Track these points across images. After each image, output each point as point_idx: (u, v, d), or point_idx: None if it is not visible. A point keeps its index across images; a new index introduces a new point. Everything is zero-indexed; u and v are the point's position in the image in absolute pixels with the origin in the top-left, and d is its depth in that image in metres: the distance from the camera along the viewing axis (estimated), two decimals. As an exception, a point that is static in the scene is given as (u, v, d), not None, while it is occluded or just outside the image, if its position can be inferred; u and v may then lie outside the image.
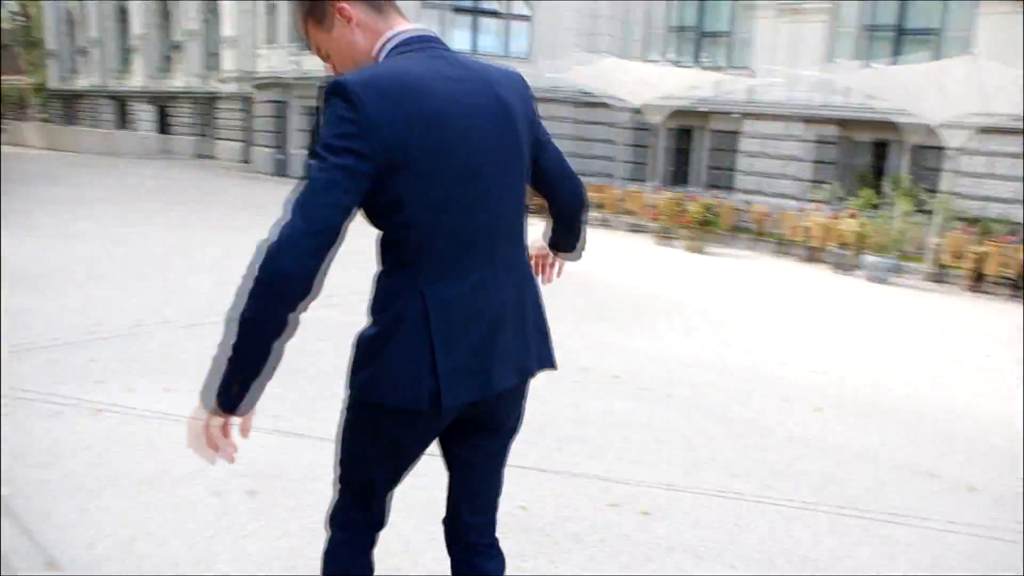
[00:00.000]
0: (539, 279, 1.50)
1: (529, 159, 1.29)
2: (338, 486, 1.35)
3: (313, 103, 16.59)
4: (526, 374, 1.32)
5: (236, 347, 1.03)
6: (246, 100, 26.10)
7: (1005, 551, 2.72)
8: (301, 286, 1.03)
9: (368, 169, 1.07)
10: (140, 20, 30.39)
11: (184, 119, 29.25)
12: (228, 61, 25.38)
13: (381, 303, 1.17)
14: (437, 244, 1.16)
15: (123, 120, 33.36)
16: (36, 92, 39.30)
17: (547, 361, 1.37)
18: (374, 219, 1.17)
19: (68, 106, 36.94)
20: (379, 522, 1.41)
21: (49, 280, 5.59)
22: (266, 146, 20.93)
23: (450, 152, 1.13)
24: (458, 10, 17.70)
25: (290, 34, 19.70)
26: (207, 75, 27.98)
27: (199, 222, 10.22)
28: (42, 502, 2.33)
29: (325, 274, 1.07)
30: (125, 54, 32.58)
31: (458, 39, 17.73)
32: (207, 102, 28.16)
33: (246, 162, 26.01)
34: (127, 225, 9.07)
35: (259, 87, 21.68)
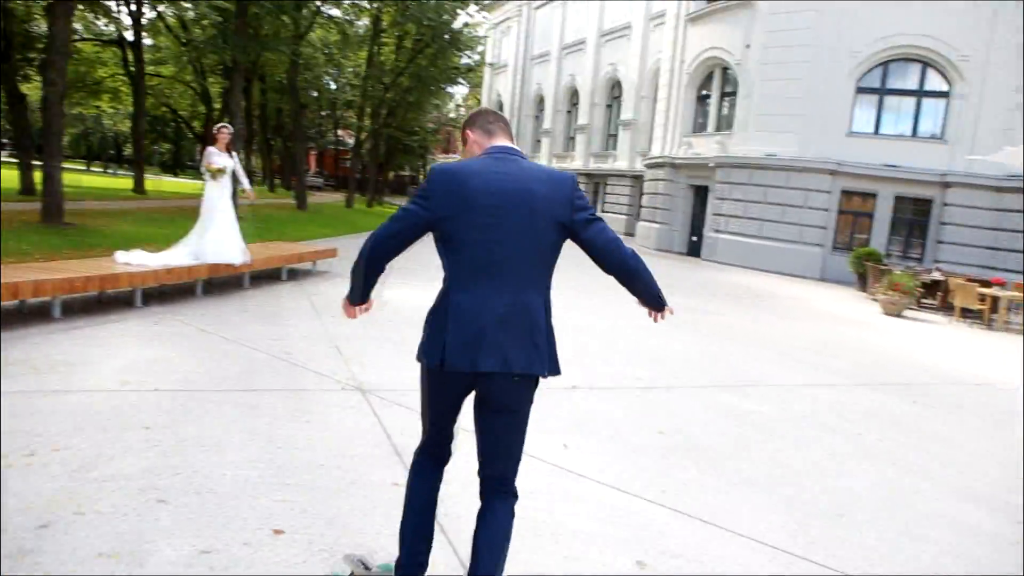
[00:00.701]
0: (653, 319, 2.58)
1: (552, 232, 2.35)
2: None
3: (699, 182, 21.44)
4: (510, 367, 2.25)
5: (352, 278, 2.60)
6: (635, 178, 33.10)
7: None
8: (370, 256, 2.45)
9: (423, 215, 2.33)
10: (551, 114, 40.68)
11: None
12: (655, 145, 32.41)
13: (436, 299, 2.45)
14: (462, 268, 2.32)
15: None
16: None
17: (536, 367, 2.30)
18: (438, 248, 2.41)
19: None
20: (439, 457, 2.63)
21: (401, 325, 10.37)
22: (652, 221, 26.52)
23: (477, 215, 2.27)
24: (862, 90, 20.71)
25: (683, 120, 25.34)
26: (602, 154, 36.01)
27: (578, 286, 12.38)
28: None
29: (392, 254, 2.51)
30: (535, 143, 43.57)
31: (860, 119, 20.81)
32: (600, 179, 36.12)
33: (630, 235, 32.68)
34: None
35: (649, 166, 27.69)
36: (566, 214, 2.38)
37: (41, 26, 23.77)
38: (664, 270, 17.92)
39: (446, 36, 30.15)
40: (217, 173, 8.38)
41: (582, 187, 22.55)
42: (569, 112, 39.93)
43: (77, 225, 14.18)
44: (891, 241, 20.48)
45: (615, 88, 35.66)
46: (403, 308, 8.94)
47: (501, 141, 2.51)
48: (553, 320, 2.54)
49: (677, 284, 15.03)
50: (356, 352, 6.50)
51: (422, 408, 2.62)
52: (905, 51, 19.76)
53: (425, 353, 2.41)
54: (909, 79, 20.32)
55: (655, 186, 25.93)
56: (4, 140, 57.89)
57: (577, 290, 12.38)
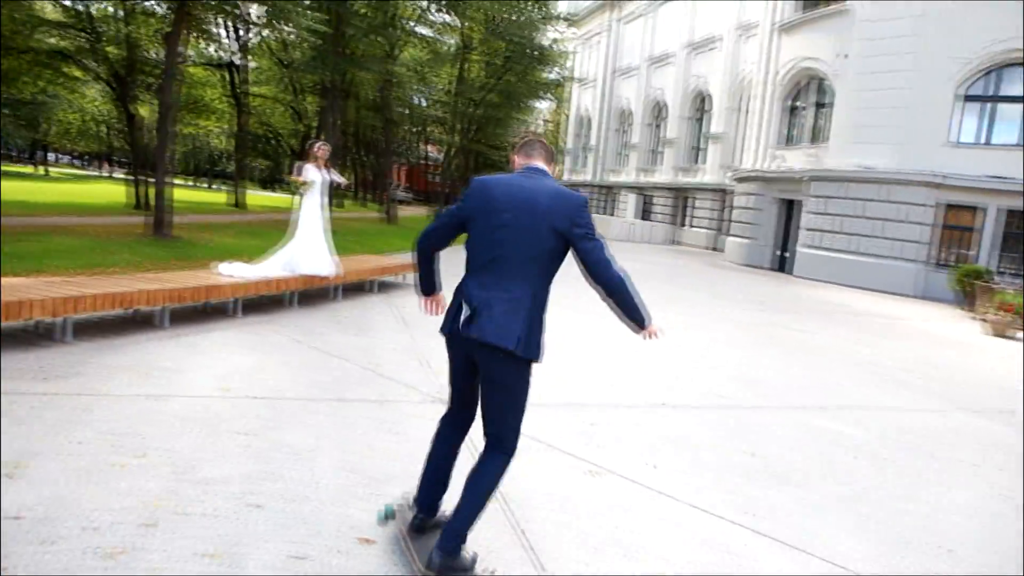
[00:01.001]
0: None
1: (550, 239, 2.78)
2: None
3: (789, 196, 20.79)
4: (484, 337, 2.71)
5: (416, 272, 3.17)
6: (722, 192, 32.42)
7: None
8: (418, 249, 3.07)
9: (458, 215, 2.89)
10: (638, 128, 40.38)
11: (664, 208, 37.24)
12: (747, 159, 31.82)
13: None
14: (474, 259, 2.85)
15: (612, 208, 43.96)
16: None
17: (506, 342, 2.71)
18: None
19: (570, 195, 50.00)
20: (457, 423, 3.19)
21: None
22: (740, 236, 25.88)
23: (492, 218, 2.76)
24: (967, 98, 19.65)
25: (774, 132, 24.68)
26: (689, 168, 35.45)
27: (675, 300, 12.75)
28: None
29: (436, 247, 3.08)
30: (622, 156, 43.34)
31: (964, 129, 19.76)
32: (687, 193, 35.53)
33: (716, 249, 32.02)
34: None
35: (738, 180, 27.06)
36: (563, 225, 2.81)
37: (159, 52, 25.32)
38: (751, 286, 17.42)
39: (534, 52, 30.35)
40: (304, 186, 8.68)
41: (667, 201, 22.46)
42: (656, 126, 39.50)
43: (183, 238, 14.97)
44: (1000, 258, 19.24)
45: (703, 101, 35.08)
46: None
47: (536, 163, 3.02)
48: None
49: (765, 301, 14.56)
50: (443, 364, 6.56)
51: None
52: (1014, 56, 18.60)
53: (442, 324, 3.00)
54: (1018, 85, 19.12)
55: (743, 200, 25.28)
56: (121, 159, 61.73)
57: (664, 308, 12.18)
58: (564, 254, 2.93)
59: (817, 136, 22.56)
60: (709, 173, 33.08)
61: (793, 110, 24.02)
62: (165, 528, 3.13)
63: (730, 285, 17.53)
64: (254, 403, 4.95)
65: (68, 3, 24.23)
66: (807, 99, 23.04)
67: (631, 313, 3.04)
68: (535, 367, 2.99)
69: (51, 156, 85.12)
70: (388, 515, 3.33)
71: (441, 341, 3.10)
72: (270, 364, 6.05)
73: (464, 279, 2.94)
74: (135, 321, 7.22)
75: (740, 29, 31.24)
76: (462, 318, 2.84)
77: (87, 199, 28.01)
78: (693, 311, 12.07)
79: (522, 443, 3.24)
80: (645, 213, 38.10)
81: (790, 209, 23.67)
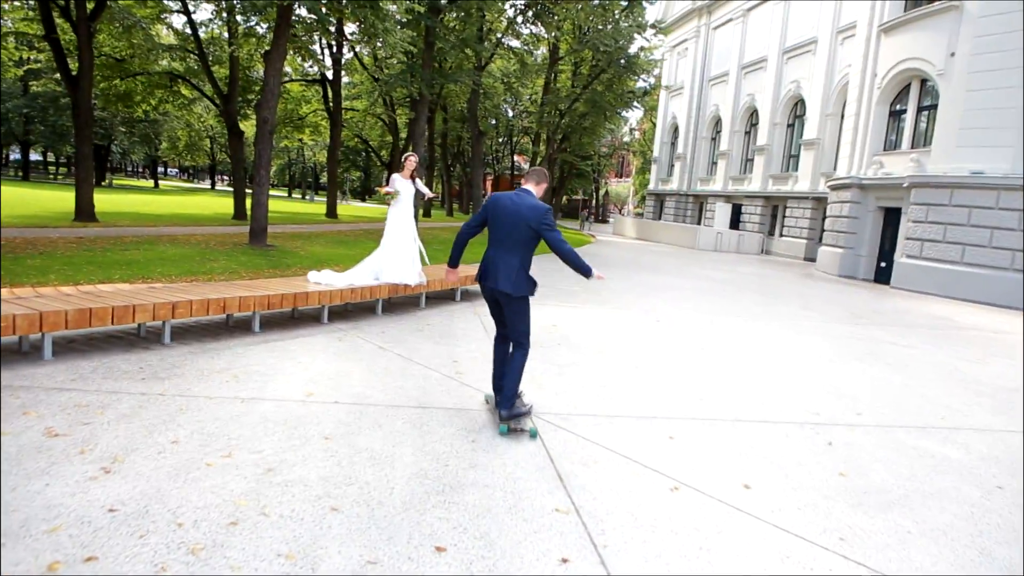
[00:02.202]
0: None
1: (532, 232, 4.77)
2: None
3: (890, 204, 19.75)
4: (497, 285, 4.80)
5: (453, 249, 5.20)
6: (816, 200, 31.17)
7: None
8: (458, 237, 5.09)
9: (482, 215, 4.96)
10: (728, 135, 39.41)
11: (754, 217, 36.15)
12: (841, 166, 30.69)
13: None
14: (490, 240, 4.92)
15: (700, 217, 43.05)
16: (637, 192, 53.90)
17: (506, 287, 4.76)
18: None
19: (660, 203, 49.38)
20: (502, 337, 5.20)
21: (589, 350, 8.22)
22: (835, 246, 24.79)
23: (498, 218, 4.85)
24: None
25: (873, 137, 23.56)
26: (781, 176, 34.29)
27: (745, 311, 11.88)
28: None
29: (469, 236, 5.05)
30: (711, 165, 42.44)
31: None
32: (779, 201, 34.36)
33: (809, 259, 30.79)
34: (686, 308, 11.32)
35: (834, 188, 25.94)
36: (536, 224, 4.79)
37: (259, 70, 26.53)
38: (846, 297, 16.64)
39: (622, 61, 30.13)
40: (388, 196, 8.86)
41: (757, 210, 21.79)
42: (747, 133, 38.46)
43: (277, 246, 15.56)
44: None
45: (797, 106, 33.92)
46: (571, 334, 8.93)
47: (526, 185, 5.09)
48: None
49: (861, 313, 13.87)
50: (524, 373, 6.54)
51: None
52: None
53: (478, 279, 5.04)
54: None
55: (840, 208, 24.19)
56: (225, 172, 64.86)
57: (750, 320, 11.78)
58: (538, 239, 4.88)
59: (920, 140, 21.37)
60: (803, 181, 31.88)
61: (895, 114, 22.85)
62: (246, 527, 3.21)
63: (823, 296, 16.80)
64: (337, 408, 5.04)
65: (181, 27, 25.70)
66: (909, 102, 21.86)
67: (580, 270, 4.90)
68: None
69: (161, 170, 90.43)
70: (487, 400, 5.62)
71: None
72: (354, 370, 6.17)
73: (486, 252, 5.01)
74: (229, 326, 7.52)
75: (838, 31, 30.05)
76: (483, 273, 5.00)
77: (193, 210, 29.57)
78: (782, 323, 11.61)
79: (598, 453, 4.57)
80: (735, 222, 37.08)
81: (890, 217, 22.51)
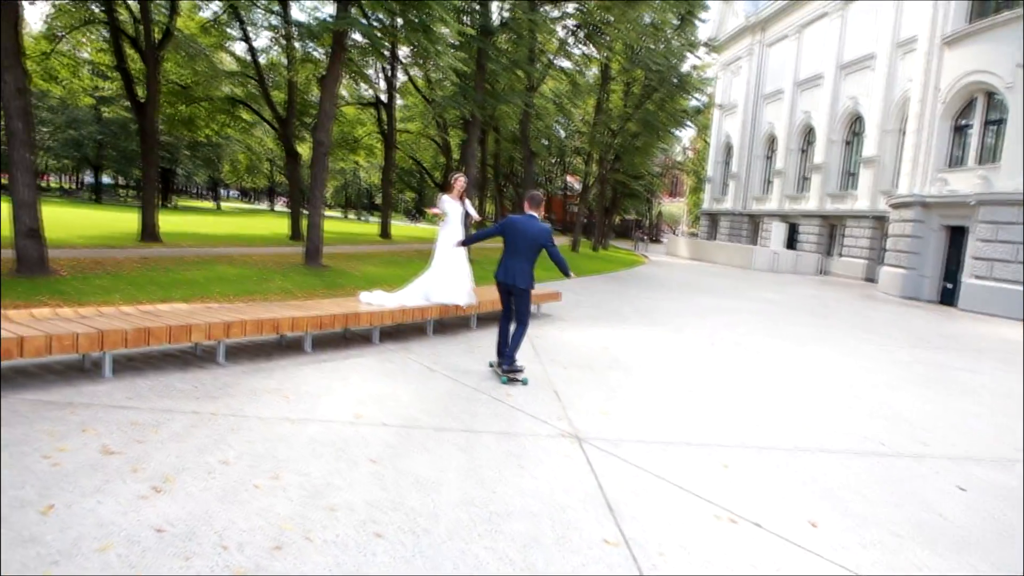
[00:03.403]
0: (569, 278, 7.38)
1: (535, 246, 6.85)
2: None
3: (955, 222, 18.99)
4: (514, 281, 6.84)
5: (473, 241, 8.01)
6: (876, 219, 30.26)
7: None
8: (479, 236, 7.93)
9: (499, 229, 7.03)
10: (783, 153, 38.67)
11: (811, 237, 35.28)
12: (902, 184, 29.84)
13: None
14: (506, 250, 6.95)
15: (755, 237, 42.24)
16: (690, 212, 53.25)
17: (519, 283, 6.84)
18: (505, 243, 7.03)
19: (713, 223, 48.71)
20: (508, 318, 7.13)
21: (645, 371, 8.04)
22: (897, 266, 23.93)
23: (514, 234, 6.87)
24: None
25: (937, 154, 22.79)
26: (839, 195, 33.45)
27: (803, 335, 11.44)
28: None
29: (485, 239, 8.00)
30: (766, 184, 41.70)
31: None
32: (837, 221, 33.49)
33: (870, 280, 29.84)
34: (738, 331, 10.96)
35: (895, 206, 25.10)
36: (541, 241, 6.86)
37: (316, 94, 27.17)
38: (910, 320, 16.02)
39: (675, 80, 29.88)
40: (437, 218, 8.87)
41: (814, 229, 21.54)
42: (803, 151, 37.69)
43: (331, 266, 15.78)
44: None
45: (855, 123, 33.12)
46: (623, 356, 8.77)
47: (530, 211, 6.98)
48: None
49: (926, 336, 13.32)
50: (573, 397, 6.44)
51: None
52: None
53: (496, 276, 6.96)
54: None
55: (902, 228, 23.41)
56: (283, 193, 66.43)
57: (806, 343, 11.42)
58: (540, 250, 6.92)
59: (987, 156, 20.57)
60: (862, 199, 31.03)
61: (958, 129, 22.08)
62: (290, 552, 3.17)
63: (884, 318, 16.21)
64: (384, 430, 5.01)
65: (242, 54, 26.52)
66: (975, 116, 21.10)
67: (564, 272, 7.18)
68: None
69: (223, 191, 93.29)
70: (491, 364, 7.42)
71: (573, 371, 7.38)
72: (403, 391, 6.14)
73: (502, 259, 6.99)
74: (282, 346, 7.60)
75: (898, 45, 29.29)
76: (501, 273, 6.97)
77: (252, 231, 30.32)
78: (842, 347, 11.21)
79: (649, 482, 4.48)
80: (791, 242, 36.26)
81: (955, 236, 21.69)
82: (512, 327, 7.10)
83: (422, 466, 4.39)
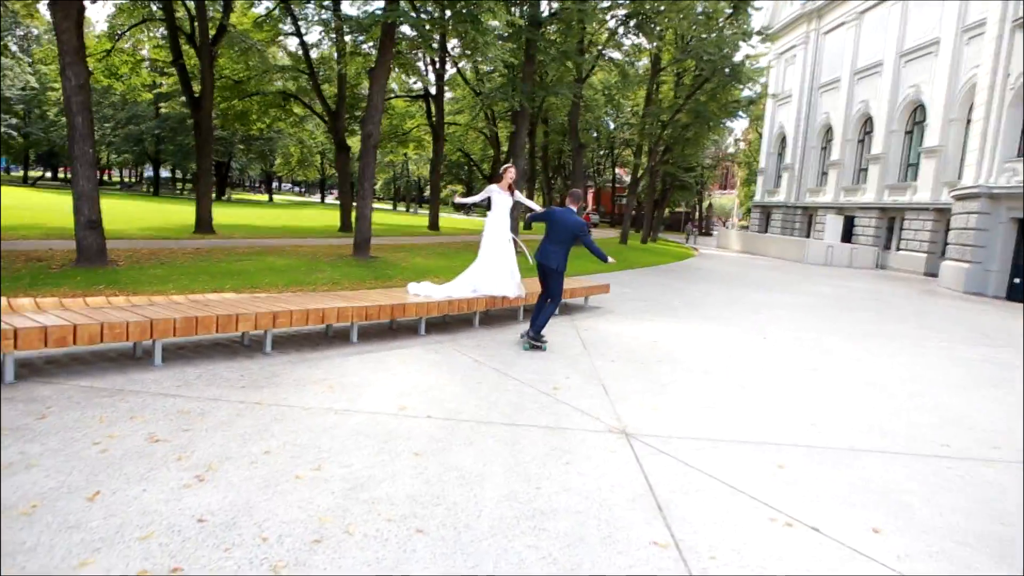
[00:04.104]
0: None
1: (571, 235, 7.91)
2: None
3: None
4: (548, 262, 7.96)
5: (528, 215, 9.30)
6: (939, 211, 29.09)
7: None
8: (529, 220, 9.84)
9: (545, 215, 8.21)
10: (839, 144, 37.54)
11: (868, 230, 34.17)
12: (967, 175, 28.75)
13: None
14: (546, 237, 8.10)
15: (809, 230, 41.16)
16: (741, 204, 52.28)
17: (553, 264, 7.95)
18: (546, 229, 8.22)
19: (765, 216, 47.63)
20: (544, 296, 8.19)
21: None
22: (961, 260, 22.97)
23: (553, 223, 8.00)
24: None
25: (1006, 143, 21.77)
26: (899, 186, 32.29)
27: (859, 331, 10.90)
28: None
29: (532, 221, 9.70)
30: (821, 176, 40.59)
31: None
32: (896, 213, 32.33)
33: (930, 275, 28.72)
34: (786, 327, 10.51)
35: (959, 198, 24.07)
36: (576, 231, 7.90)
37: (366, 87, 27.36)
38: (975, 317, 15.35)
39: (727, 70, 29.18)
40: (462, 206, 9.07)
41: (872, 222, 21.13)
42: (861, 142, 36.52)
43: (380, 258, 15.85)
44: None
45: (917, 112, 31.92)
46: (673, 350, 8.57)
47: (571, 205, 8.19)
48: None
49: (993, 334, 12.72)
50: (621, 391, 6.28)
51: None
52: None
53: (535, 255, 8.20)
54: None
55: (966, 220, 22.47)
56: (333, 186, 67.32)
57: (860, 340, 11.00)
58: (575, 239, 7.91)
59: (1061, 146, 19.61)
60: (922, 191, 29.89)
61: (1030, 117, 21.05)
62: (329, 546, 3.11)
63: (947, 314, 15.56)
64: (428, 423, 4.94)
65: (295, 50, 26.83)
66: (1048, 104, 20.11)
67: (602, 259, 8.14)
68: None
69: (275, 184, 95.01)
70: (521, 335, 8.19)
71: (621, 365, 7.32)
72: (448, 384, 6.07)
73: (542, 242, 8.09)
74: (328, 336, 7.61)
75: (964, 30, 28.07)
76: (540, 255, 8.08)
77: (303, 223, 30.76)
78: (902, 343, 10.77)
79: (701, 481, 4.28)
80: (847, 235, 35.17)
81: (1025, 230, 20.73)
82: (546, 303, 8.15)
83: (466, 460, 4.29)
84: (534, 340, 7.82)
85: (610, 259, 8.32)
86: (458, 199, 9.50)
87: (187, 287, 9.95)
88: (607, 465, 4.43)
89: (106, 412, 4.60)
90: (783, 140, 45.31)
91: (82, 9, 11.34)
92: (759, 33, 31.17)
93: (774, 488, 4.27)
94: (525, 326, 9.23)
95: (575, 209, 8.13)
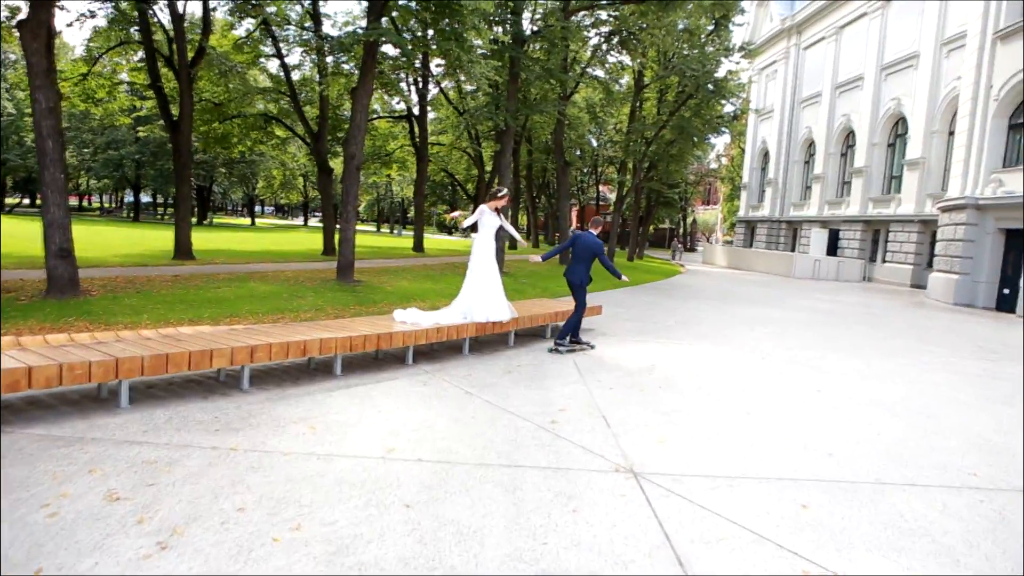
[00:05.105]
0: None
1: (591, 255, 9.04)
2: None
3: (1011, 225, 17.92)
4: (572, 278, 9.15)
5: (546, 256, 9.54)
6: (923, 223, 29.03)
7: None
8: (551, 253, 9.64)
9: (569, 244, 9.22)
10: (822, 158, 37.59)
11: (853, 243, 34.10)
12: (952, 186, 28.71)
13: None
14: (573, 257, 9.20)
15: (794, 244, 41.10)
16: (725, 220, 52.28)
17: (576, 279, 9.12)
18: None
19: (750, 231, 47.57)
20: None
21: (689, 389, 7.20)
22: (948, 271, 22.80)
23: (578, 246, 9.07)
24: None
25: (990, 154, 21.72)
26: (883, 199, 32.28)
27: (863, 346, 10.60)
28: None
29: (555, 254, 9.80)
30: (805, 190, 40.61)
31: None
32: (880, 225, 32.28)
33: (917, 286, 28.60)
34: (773, 345, 10.23)
35: (946, 209, 23.98)
36: (596, 251, 9.06)
37: (348, 108, 26.98)
38: (969, 328, 15.10)
39: (710, 86, 29.09)
40: (452, 220, 8.84)
41: (857, 235, 21.18)
42: (843, 155, 36.58)
43: (364, 282, 15.40)
44: None
45: (898, 125, 32.00)
46: (672, 375, 8.19)
47: (592, 230, 9.28)
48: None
49: (990, 346, 12.45)
50: (623, 423, 5.88)
51: None
52: None
53: (565, 273, 9.38)
54: None
55: (953, 231, 22.35)
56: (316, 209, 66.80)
57: (854, 356, 10.66)
58: (594, 258, 9.05)
59: (1046, 156, 19.56)
60: (906, 203, 29.85)
61: (1014, 127, 21.02)
62: (309, 632, 2.67)
63: (943, 327, 15.32)
64: (419, 467, 4.51)
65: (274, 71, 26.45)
66: (1033, 114, 20.07)
67: (616, 276, 9.55)
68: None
69: (258, 208, 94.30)
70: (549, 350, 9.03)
71: (621, 392, 6.86)
72: (439, 420, 5.64)
73: (572, 263, 9.23)
74: (310, 369, 7.16)
75: (943, 43, 28.17)
76: (568, 272, 9.26)
77: (285, 247, 30.23)
78: (903, 359, 10.45)
79: (722, 528, 3.85)
80: (832, 249, 35.08)
81: (1012, 239, 20.61)
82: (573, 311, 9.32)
83: (462, 511, 3.87)
84: (557, 344, 9.05)
85: (623, 277, 9.77)
86: (465, 222, 9.17)
87: (163, 317, 9.48)
88: (617, 512, 4.02)
89: (60, 466, 4.14)
90: (766, 155, 45.40)
91: (52, 30, 10.90)
92: (741, 49, 31.18)
93: (801, 534, 3.87)
94: (516, 352, 8.85)
95: (595, 232, 9.26)
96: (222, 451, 4.56)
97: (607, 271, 9.46)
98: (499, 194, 8.71)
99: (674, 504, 4.18)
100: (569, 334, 9.15)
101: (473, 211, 8.77)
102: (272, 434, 4.98)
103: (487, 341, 9.40)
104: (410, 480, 4.26)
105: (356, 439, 4.99)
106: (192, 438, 4.79)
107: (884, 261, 31.83)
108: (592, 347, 9.34)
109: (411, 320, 7.98)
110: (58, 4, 11.47)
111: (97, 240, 25.72)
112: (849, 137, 35.84)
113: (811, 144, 39.69)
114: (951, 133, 26.33)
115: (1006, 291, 20.75)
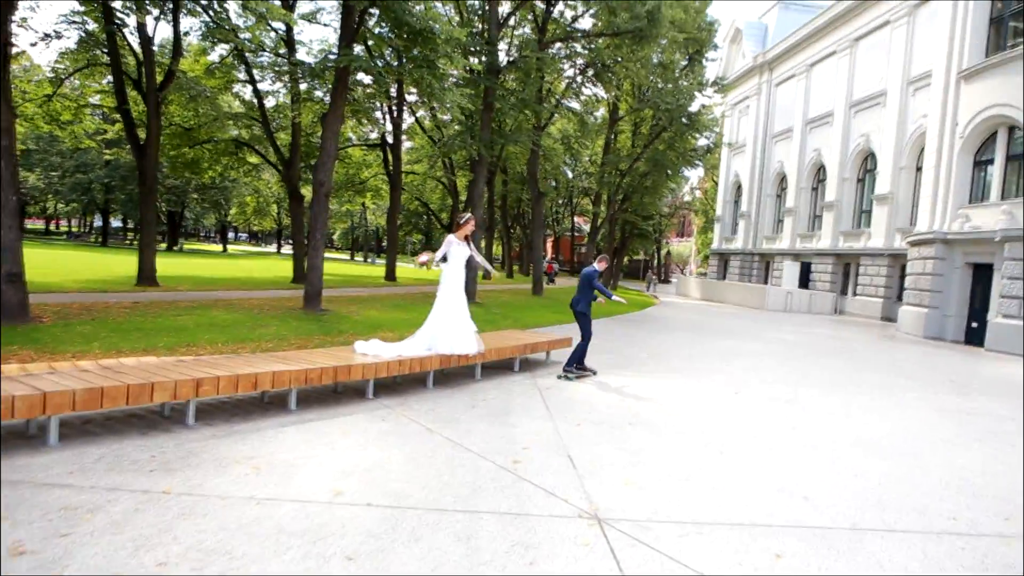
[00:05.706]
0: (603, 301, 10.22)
1: (590, 285, 9.76)
2: None
3: (979, 259, 18.04)
4: (575, 308, 9.90)
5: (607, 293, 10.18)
6: (893, 257, 29.33)
7: None
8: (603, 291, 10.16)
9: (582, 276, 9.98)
10: (794, 192, 38.04)
11: (825, 276, 34.37)
12: (921, 221, 29.01)
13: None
14: (577, 287, 10.00)
15: (766, 276, 41.38)
16: (699, 252, 52.66)
17: (580, 308, 9.88)
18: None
19: (723, 263, 47.88)
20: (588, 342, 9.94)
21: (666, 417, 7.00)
22: (918, 305, 22.94)
23: (580, 279, 9.91)
24: None
25: (957, 190, 22.00)
26: (853, 233, 32.64)
27: (844, 381, 10.48)
28: None
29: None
30: (777, 223, 41.02)
31: None
32: (851, 259, 32.60)
33: (887, 319, 28.79)
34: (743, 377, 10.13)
35: (915, 243, 24.22)
36: (589, 277, 9.88)
37: (320, 135, 26.72)
38: (940, 362, 15.06)
39: (684, 119, 29.35)
40: (423, 266, 8.27)
41: (828, 268, 21.46)
42: (815, 189, 37.02)
43: (332, 311, 15.02)
44: None
45: (867, 160, 32.47)
46: (642, 411, 7.93)
47: (594, 263, 10.18)
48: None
49: (962, 381, 12.37)
50: (590, 463, 5.58)
51: None
52: None
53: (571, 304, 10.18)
54: None
55: (922, 265, 22.52)
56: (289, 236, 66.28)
57: (831, 391, 10.49)
58: (593, 288, 9.84)
59: (1011, 191, 19.78)
60: (876, 237, 30.18)
61: (979, 164, 21.33)
62: None
63: (915, 360, 15.27)
64: (368, 513, 4.17)
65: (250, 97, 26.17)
66: (997, 151, 20.36)
67: (604, 295, 10.02)
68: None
69: (232, 234, 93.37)
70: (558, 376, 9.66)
71: (587, 428, 6.58)
72: (394, 459, 5.30)
73: (576, 293, 10.02)
74: (264, 403, 6.79)
75: (910, 82, 28.73)
76: (574, 302, 10.02)
77: (255, 274, 29.69)
78: (877, 395, 10.30)
79: None
80: (804, 281, 35.33)
81: (980, 274, 20.78)
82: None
83: (410, 563, 3.54)
84: (566, 370, 9.65)
85: (615, 297, 10.20)
86: (436, 258, 8.34)
87: (114, 346, 9.05)
88: (579, 564, 3.71)
89: (-33, 514, 3.74)
90: (739, 188, 45.87)
91: (6, 48, 10.55)
92: (714, 84, 31.57)
93: (777, 589, 3.58)
94: (483, 385, 8.54)
95: (596, 265, 10.06)
96: (153, 495, 4.19)
97: (600, 294, 10.02)
98: (461, 221, 8.44)
99: (640, 555, 3.88)
100: (576, 362, 9.69)
101: (441, 246, 8.50)
102: (212, 475, 4.62)
103: (453, 373, 9.08)
104: (356, 528, 3.92)
105: (303, 481, 4.64)
106: (123, 480, 4.41)
107: (855, 294, 32.06)
108: (595, 373, 9.95)
109: (372, 352, 7.65)
110: (14, 21, 11.12)
111: (57, 265, 25.04)
112: (820, 172, 36.31)
113: (783, 178, 40.17)
114: (919, 169, 26.72)
115: (974, 324, 20.86)
